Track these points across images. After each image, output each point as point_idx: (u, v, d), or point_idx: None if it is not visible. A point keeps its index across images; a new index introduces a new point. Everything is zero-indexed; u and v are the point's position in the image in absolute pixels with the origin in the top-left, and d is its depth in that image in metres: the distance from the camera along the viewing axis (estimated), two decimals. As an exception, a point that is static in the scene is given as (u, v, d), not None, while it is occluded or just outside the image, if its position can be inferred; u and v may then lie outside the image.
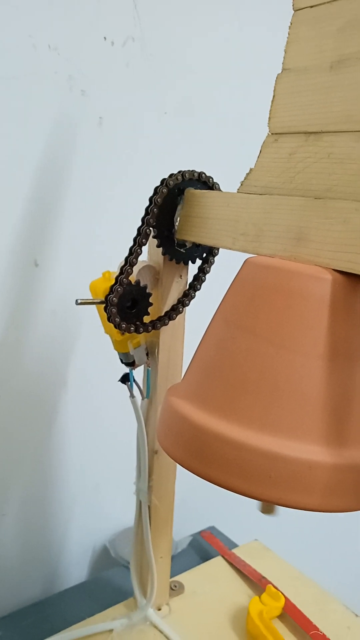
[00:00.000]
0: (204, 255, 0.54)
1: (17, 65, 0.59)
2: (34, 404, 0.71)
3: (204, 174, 0.50)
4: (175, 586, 0.71)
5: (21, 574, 0.76)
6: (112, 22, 0.64)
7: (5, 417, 0.69)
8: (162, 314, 0.54)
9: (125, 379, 0.56)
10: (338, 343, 0.35)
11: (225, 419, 0.36)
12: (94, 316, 0.53)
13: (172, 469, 0.62)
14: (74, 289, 0.67)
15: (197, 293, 0.55)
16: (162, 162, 0.71)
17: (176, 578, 0.73)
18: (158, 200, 0.48)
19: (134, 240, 0.48)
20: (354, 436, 0.36)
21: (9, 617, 0.68)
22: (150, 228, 0.49)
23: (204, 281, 0.55)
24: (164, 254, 0.51)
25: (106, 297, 0.48)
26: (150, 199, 0.48)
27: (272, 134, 0.42)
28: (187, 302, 0.54)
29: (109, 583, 0.75)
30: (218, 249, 0.54)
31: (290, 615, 0.67)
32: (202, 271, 0.54)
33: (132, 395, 0.57)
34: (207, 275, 0.55)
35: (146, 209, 0.48)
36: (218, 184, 0.52)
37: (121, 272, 0.48)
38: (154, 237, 0.50)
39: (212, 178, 0.51)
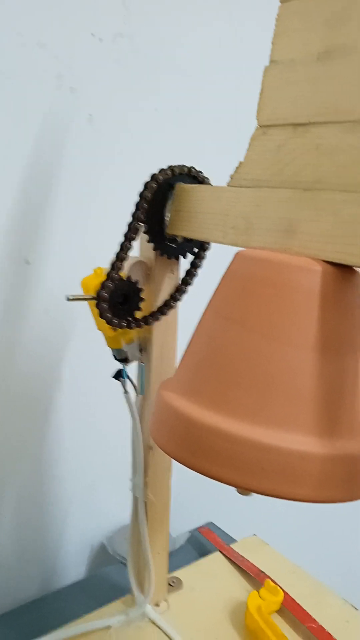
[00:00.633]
0: (196, 250, 0.54)
1: (6, 63, 0.58)
2: (28, 403, 0.71)
3: (194, 168, 0.50)
4: (174, 582, 0.71)
5: (18, 572, 0.76)
6: (100, 18, 0.64)
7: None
8: (155, 309, 0.53)
9: (118, 375, 0.56)
10: (328, 334, 0.35)
11: (218, 411, 0.36)
12: (86, 314, 0.53)
13: (168, 465, 0.62)
14: (66, 287, 0.67)
15: (189, 288, 0.55)
16: (152, 158, 0.71)
17: (174, 574, 0.73)
18: (148, 195, 0.48)
19: (124, 235, 0.48)
20: (345, 427, 0.36)
21: (6, 615, 0.68)
22: (141, 223, 0.48)
23: (196, 276, 0.55)
24: (155, 249, 0.51)
25: (97, 293, 0.48)
26: (140, 194, 0.48)
27: (260, 126, 0.42)
28: (179, 297, 0.54)
29: (107, 580, 0.75)
30: (209, 243, 0.54)
31: (289, 609, 0.67)
32: (194, 266, 0.54)
33: (126, 392, 0.57)
34: (199, 270, 0.55)
35: (136, 205, 0.48)
36: (208, 179, 0.52)
37: (112, 268, 0.48)
38: (144, 232, 0.49)
39: (201, 172, 0.51)
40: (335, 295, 0.36)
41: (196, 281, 0.55)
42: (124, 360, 0.55)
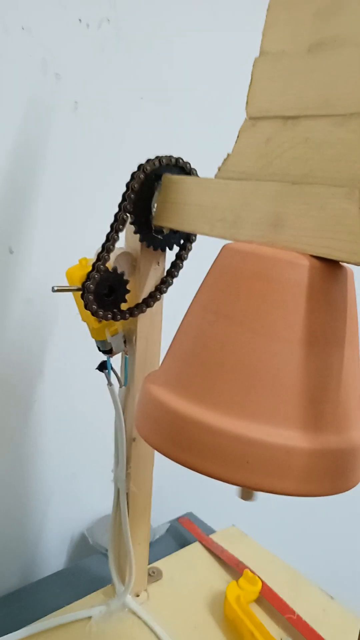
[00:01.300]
0: (182, 241, 0.53)
1: (-10, 47, 0.57)
2: (9, 393, 0.70)
3: (181, 159, 0.50)
4: (154, 572, 0.72)
5: (-2, 563, 0.76)
6: (87, 3, 0.63)
7: (-20, 407, 0.68)
8: (140, 301, 0.53)
9: (102, 366, 0.56)
10: (315, 329, 0.36)
11: (204, 405, 0.36)
12: (70, 304, 0.52)
13: (150, 457, 0.62)
14: (49, 277, 0.66)
15: (174, 280, 0.55)
16: (139, 147, 0.70)
17: (154, 564, 0.73)
18: (135, 185, 0.47)
19: (111, 226, 0.48)
20: (329, 421, 0.36)
21: (-14, 607, 0.68)
22: (127, 214, 0.48)
23: (181, 268, 0.55)
24: (141, 240, 0.50)
25: (83, 284, 0.47)
26: (127, 185, 0.47)
27: (249, 118, 0.42)
28: (165, 289, 0.54)
29: (87, 571, 0.75)
30: (195, 236, 0.54)
31: (267, 599, 0.68)
32: (180, 258, 0.54)
33: (109, 383, 0.56)
34: (185, 262, 0.55)
35: (123, 195, 0.48)
36: (195, 170, 0.51)
37: (98, 259, 0.48)
38: (131, 223, 0.49)
39: (189, 164, 0.51)
40: (322, 290, 0.36)
41: (181, 273, 0.55)
42: (108, 351, 0.55)
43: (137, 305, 0.53)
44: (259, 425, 0.34)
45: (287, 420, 0.35)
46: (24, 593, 0.70)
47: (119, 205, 0.48)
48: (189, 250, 0.54)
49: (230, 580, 0.71)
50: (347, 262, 0.35)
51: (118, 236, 0.48)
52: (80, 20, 0.63)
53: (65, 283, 0.50)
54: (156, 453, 0.62)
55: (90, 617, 0.63)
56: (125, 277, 0.50)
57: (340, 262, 0.37)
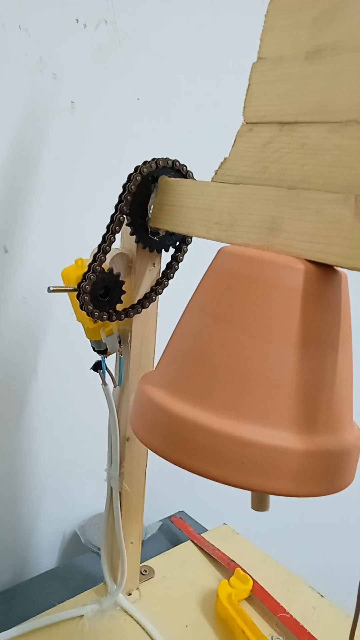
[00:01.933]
0: (177, 243, 0.54)
1: (-14, 45, 0.57)
2: (2, 391, 0.70)
3: (178, 162, 0.50)
4: (145, 571, 0.72)
5: (-10, 562, 0.76)
6: (84, 3, 0.63)
7: (-27, 405, 0.68)
8: (135, 302, 0.53)
9: (97, 366, 0.56)
10: (310, 332, 0.36)
11: (200, 406, 0.36)
12: (65, 304, 0.53)
13: (144, 456, 0.62)
14: (44, 276, 0.66)
15: (169, 281, 0.55)
16: (135, 148, 0.70)
17: (146, 563, 0.74)
18: (132, 187, 0.47)
19: (108, 227, 0.48)
20: (323, 422, 0.37)
21: (-22, 605, 0.68)
22: (124, 215, 0.48)
23: (177, 270, 0.55)
24: (137, 242, 0.51)
25: (79, 285, 0.48)
26: (124, 186, 0.48)
27: (246, 123, 0.42)
28: (160, 290, 0.54)
29: (79, 569, 0.75)
30: (191, 238, 0.54)
31: (258, 597, 0.69)
32: (175, 260, 0.54)
33: (104, 383, 0.57)
34: (180, 264, 0.55)
35: (120, 196, 0.48)
36: (192, 173, 0.52)
37: (94, 260, 0.48)
38: (127, 224, 0.49)
39: (185, 166, 0.51)
40: (317, 293, 0.36)
41: (177, 275, 0.55)
42: (103, 351, 0.55)
43: (133, 306, 0.53)
44: (254, 426, 0.35)
45: (281, 422, 0.35)
46: (16, 591, 0.70)
47: (116, 207, 0.48)
48: (185, 252, 0.55)
49: (221, 578, 0.72)
50: (342, 267, 0.35)
51: (115, 237, 0.49)
52: (77, 20, 0.63)
53: (60, 283, 0.51)
54: (149, 452, 0.62)
55: (82, 616, 0.64)
56: (121, 278, 0.50)
57: (335, 267, 0.37)
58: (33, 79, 0.61)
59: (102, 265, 0.49)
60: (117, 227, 0.48)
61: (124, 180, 0.48)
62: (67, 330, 0.67)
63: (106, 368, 0.56)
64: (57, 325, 0.71)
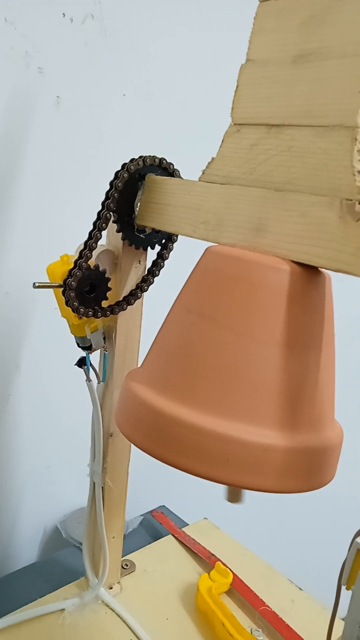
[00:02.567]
0: (163, 241, 0.54)
1: (-28, 38, 0.57)
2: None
3: (165, 160, 0.50)
4: (127, 565, 0.73)
5: (-29, 556, 0.76)
6: (71, -2, 0.62)
7: None
8: (121, 298, 0.54)
9: (81, 362, 0.56)
10: (294, 331, 0.37)
11: (185, 404, 0.37)
12: (49, 299, 0.53)
13: (126, 452, 0.63)
14: (28, 271, 0.66)
15: (155, 279, 0.55)
16: (121, 145, 0.70)
17: (127, 557, 0.74)
18: (119, 184, 0.48)
19: (94, 224, 0.48)
20: (305, 420, 0.38)
21: None
22: (111, 213, 0.48)
23: (162, 267, 0.55)
24: (123, 239, 0.51)
25: (65, 281, 0.48)
26: (111, 183, 0.48)
27: (234, 124, 0.43)
28: (146, 287, 0.55)
29: (60, 564, 0.75)
30: (177, 236, 0.55)
31: (238, 590, 0.70)
32: (161, 257, 0.55)
33: (88, 379, 0.57)
34: (166, 262, 0.55)
35: (107, 193, 0.48)
36: (179, 171, 0.52)
37: (80, 257, 0.48)
38: (113, 221, 0.49)
39: (172, 164, 0.51)
40: (301, 294, 0.37)
41: (162, 272, 0.56)
42: (87, 347, 0.55)
43: (118, 303, 0.53)
44: (238, 424, 0.35)
45: (265, 419, 0.36)
46: (-4, 586, 0.70)
47: (102, 203, 0.48)
48: (171, 249, 0.55)
49: (202, 572, 0.73)
50: (326, 268, 0.36)
51: (101, 234, 0.49)
52: (64, 14, 0.62)
53: (45, 279, 0.51)
54: (132, 448, 0.63)
55: (63, 610, 0.64)
56: (106, 275, 0.50)
57: (319, 268, 0.38)
58: (18, 72, 0.61)
59: (88, 262, 0.49)
60: (103, 224, 0.48)
61: (111, 177, 0.48)
62: (51, 326, 0.66)
63: (90, 364, 0.57)
64: (41, 321, 0.71)
